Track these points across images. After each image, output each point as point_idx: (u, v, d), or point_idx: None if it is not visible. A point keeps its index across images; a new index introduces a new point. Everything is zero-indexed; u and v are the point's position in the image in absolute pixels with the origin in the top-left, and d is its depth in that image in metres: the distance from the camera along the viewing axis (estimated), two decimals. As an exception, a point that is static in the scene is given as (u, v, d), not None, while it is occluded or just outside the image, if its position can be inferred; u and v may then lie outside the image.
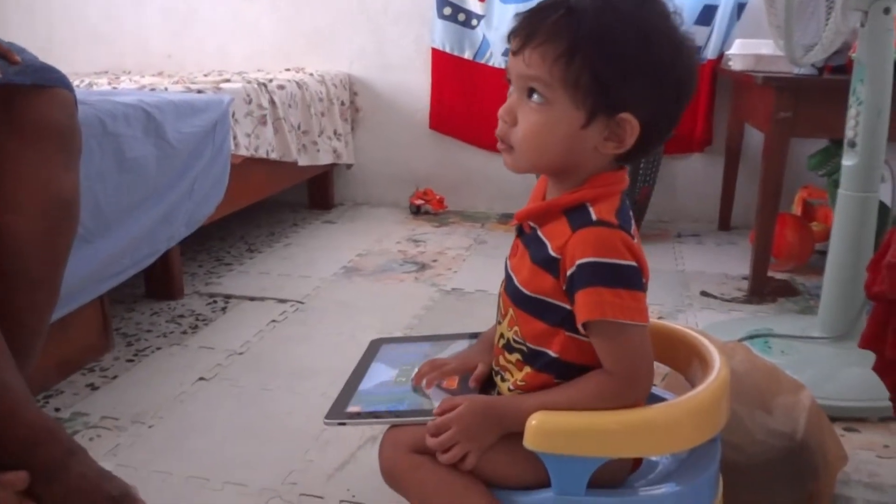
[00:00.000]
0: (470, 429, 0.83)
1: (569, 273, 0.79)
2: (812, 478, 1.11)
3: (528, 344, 0.86)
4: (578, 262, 0.78)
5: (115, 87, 2.31)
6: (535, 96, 0.80)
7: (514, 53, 0.81)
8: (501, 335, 0.91)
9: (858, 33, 1.50)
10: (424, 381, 0.97)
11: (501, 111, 0.83)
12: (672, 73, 0.79)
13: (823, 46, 1.47)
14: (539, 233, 0.85)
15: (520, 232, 0.91)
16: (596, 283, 0.77)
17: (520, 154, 0.83)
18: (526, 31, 0.79)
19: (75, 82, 2.52)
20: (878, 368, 1.06)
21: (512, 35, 0.82)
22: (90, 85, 2.40)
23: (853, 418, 1.41)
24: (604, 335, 0.80)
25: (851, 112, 1.52)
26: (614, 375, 0.81)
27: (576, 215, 0.81)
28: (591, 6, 0.77)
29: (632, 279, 0.79)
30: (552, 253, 0.82)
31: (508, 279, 0.90)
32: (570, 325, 0.82)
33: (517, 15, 0.82)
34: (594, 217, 0.80)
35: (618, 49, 0.77)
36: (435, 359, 1.01)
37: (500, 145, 0.84)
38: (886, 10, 1.44)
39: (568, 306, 0.82)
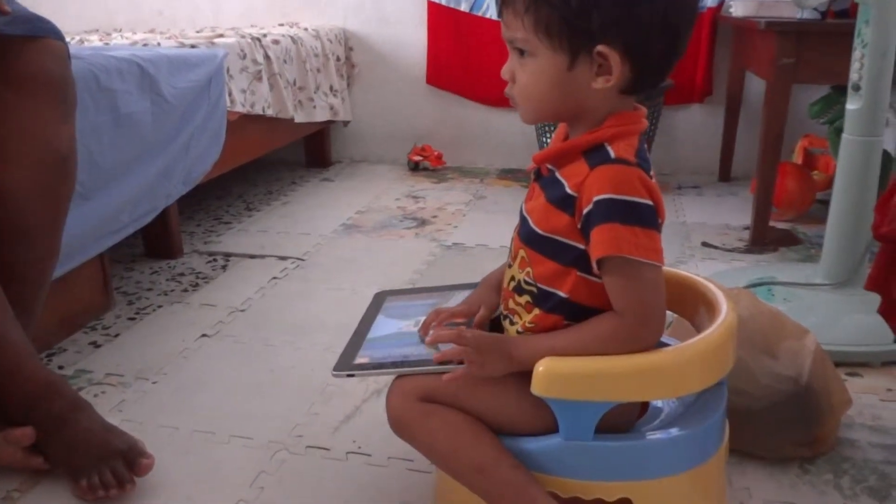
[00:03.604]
0: (481, 348, 0.84)
1: (585, 211, 0.79)
2: (817, 421, 1.12)
3: (538, 285, 0.86)
4: (595, 198, 0.78)
5: (106, 44, 2.27)
6: (522, 52, 0.83)
7: (499, 18, 0.84)
8: (512, 278, 0.91)
9: (864, -26, 1.47)
10: (432, 331, 0.96)
11: (503, 72, 0.86)
12: None
13: (829, -12, 1.44)
14: (557, 174, 0.85)
15: (537, 175, 0.91)
16: (612, 219, 0.77)
17: (522, 108, 0.86)
18: None
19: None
20: (884, 310, 1.07)
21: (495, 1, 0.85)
22: (81, 42, 2.35)
23: (856, 363, 1.41)
24: (617, 273, 0.79)
25: (856, 54, 1.49)
26: (626, 317, 0.81)
27: (594, 154, 0.82)
28: None
29: (648, 218, 0.79)
30: (569, 191, 0.82)
31: (523, 222, 0.90)
32: (582, 265, 0.82)
33: None
34: (613, 155, 0.80)
35: None
36: (439, 307, 1.00)
37: (511, 102, 0.87)
38: (893, -51, 1.41)
39: (581, 246, 0.82)
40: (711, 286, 0.97)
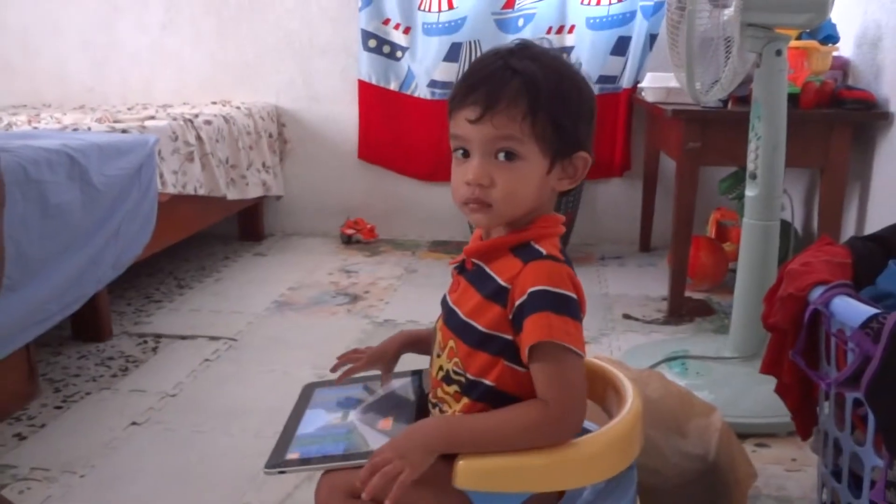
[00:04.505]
0: (402, 447, 0.85)
1: (518, 302, 0.85)
2: (724, 496, 1.19)
3: (467, 375, 0.91)
4: (530, 290, 0.84)
5: (35, 128, 2.27)
6: (505, 154, 0.87)
7: (475, 122, 0.86)
8: (440, 367, 0.95)
9: (755, 71, 1.61)
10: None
11: (474, 177, 0.88)
12: (593, 111, 0.92)
13: (723, 86, 1.57)
14: (486, 269, 0.91)
15: (461, 269, 0.96)
16: (545, 308, 0.83)
17: (501, 209, 0.89)
18: (485, 100, 0.86)
19: (-7, 119, 2.47)
20: (779, 390, 1.15)
21: (464, 106, 0.87)
22: (9, 126, 2.35)
23: (764, 434, 1.50)
24: (548, 359, 0.84)
25: (751, 146, 1.63)
26: (550, 406, 0.84)
27: (524, 251, 0.88)
28: (533, 69, 0.87)
29: (575, 311, 0.85)
30: (502, 283, 0.88)
31: (450, 313, 0.94)
32: (509, 356, 0.88)
33: (461, 86, 0.89)
34: (544, 252, 0.88)
35: (567, 101, 0.88)
36: (356, 348, 1.09)
37: (471, 206, 0.89)
38: (778, 52, 1.56)
39: (508, 336, 0.87)
40: (618, 373, 1.04)
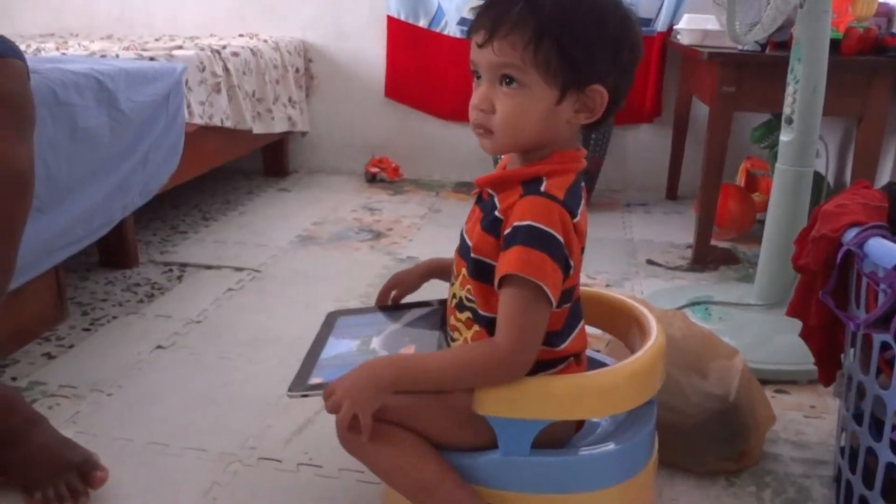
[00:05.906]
0: (352, 390, 0.87)
1: (505, 234, 0.85)
2: (743, 437, 1.19)
3: (476, 302, 0.91)
4: (515, 223, 0.84)
5: (63, 53, 2.27)
6: (510, 82, 0.85)
7: (481, 46, 0.85)
8: (454, 295, 0.96)
9: (797, 13, 1.56)
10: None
11: (477, 102, 0.88)
12: (624, 43, 0.87)
13: (764, 26, 1.52)
14: (496, 199, 0.90)
15: (479, 199, 0.96)
16: (523, 243, 0.83)
17: (500, 137, 0.88)
18: (490, 24, 0.85)
19: (21, 46, 2.46)
20: (804, 335, 1.14)
21: (474, 30, 0.87)
22: (38, 50, 2.35)
23: (784, 381, 1.49)
24: (514, 290, 0.84)
25: (789, 90, 1.59)
26: (498, 348, 0.85)
27: (529, 185, 0.87)
28: None
29: (555, 250, 0.84)
30: (497, 214, 0.88)
31: (462, 242, 0.95)
32: None
33: (474, 10, 0.88)
34: (543, 189, 0.86)
35: (579, 29, 0.84)
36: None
37: (477, 131, 0.90)
38: (823, -8, 1.50)
39: None
40: (643, 309, 1.04)
